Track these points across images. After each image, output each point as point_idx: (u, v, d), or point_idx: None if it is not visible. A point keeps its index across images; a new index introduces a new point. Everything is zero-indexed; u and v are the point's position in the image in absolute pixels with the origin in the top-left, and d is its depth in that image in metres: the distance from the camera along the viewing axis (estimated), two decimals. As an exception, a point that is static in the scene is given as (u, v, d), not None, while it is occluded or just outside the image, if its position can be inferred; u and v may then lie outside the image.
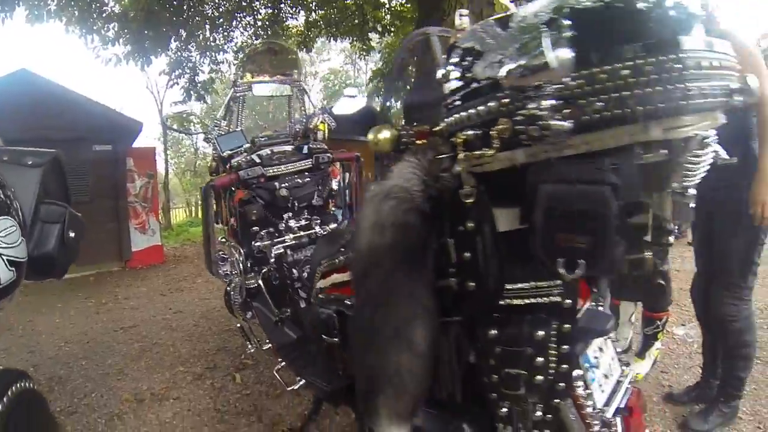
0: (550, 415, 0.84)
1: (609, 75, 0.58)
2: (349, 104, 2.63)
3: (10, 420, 0.96)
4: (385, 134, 0.90)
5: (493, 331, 0.79)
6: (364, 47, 7.38)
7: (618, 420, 0.97)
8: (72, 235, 1.25)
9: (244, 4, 6.67)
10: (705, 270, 1.90)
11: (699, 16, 0.60)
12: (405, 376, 0.79)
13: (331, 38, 7.53)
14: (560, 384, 0.81)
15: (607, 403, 0.95)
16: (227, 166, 2.20)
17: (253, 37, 6.98)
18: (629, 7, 0.57)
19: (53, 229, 1.20)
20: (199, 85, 7.27)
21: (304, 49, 7.61)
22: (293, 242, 2.08)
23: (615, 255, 0.64)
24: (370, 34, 7.26)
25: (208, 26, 6.59)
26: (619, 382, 1.02)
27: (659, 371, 2.32)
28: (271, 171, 2.11)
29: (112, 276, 5.95)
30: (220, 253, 2.21)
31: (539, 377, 0.78)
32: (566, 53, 0.54)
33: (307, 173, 2.20)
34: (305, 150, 2.21)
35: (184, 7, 5.98)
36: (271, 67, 2.43)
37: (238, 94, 2.41)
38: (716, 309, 1.78)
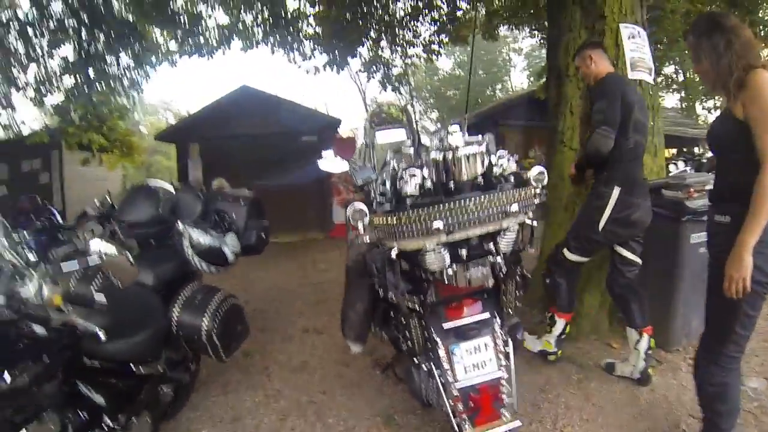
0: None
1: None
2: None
3: (226, 315, 2.15)
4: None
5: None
6: (544, 36, 7.03)
7: (465, 393, 1.49)
8: (263, 235, 2.64)
9: (427, 1, 7.17)
10: None
11: None
12: (353, 321, 1.49)
13: (513, 27, 7.38)
14: (424, 351, 1.54)
15: (465, 381, 1.48)
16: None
17: (437, 34, 7.41)
18: None
19: (254, 234, 2.58)
20: (393, 77, 8.19)
21: (489, 39, 7.68)
22: None
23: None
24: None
25: (396, 25, 7.34)
26: (487, 374, 1.50)
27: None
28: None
29: (315, 243, 7.54)
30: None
31: (410, 343, 1.52)
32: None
33: None
34: None
35: (373, 12, 6.85)
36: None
37: (367, 140, 3.02)
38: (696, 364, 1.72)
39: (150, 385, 1.95)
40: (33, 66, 6.57)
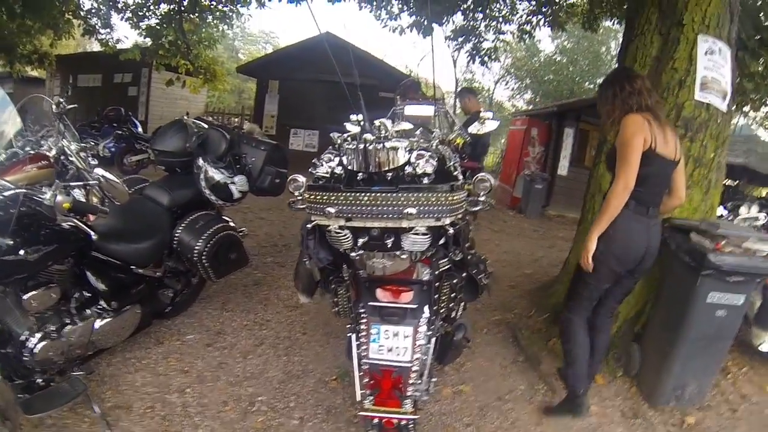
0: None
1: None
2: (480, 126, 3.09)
3: (219, 242, 2.54)
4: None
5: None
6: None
7: (371, 370, 1.58)
8: (277, 181, 2.87)
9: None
10: None
11: None
12: (301, 274, 1.77)
13: (615, 20, 6.61)
14: (353, 320, 1.73)
15: (373, 359, 1.57)
16: None
17: (533, 14, 6.93)
18: None
19: (268, 179, 2.82)
20: (483, 51, 7.86)
21: (589, 29, 7.02)
22: None
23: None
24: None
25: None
26: (395, 361, 1.57)
27: None
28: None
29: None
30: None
31: (338, 308, 1.81)
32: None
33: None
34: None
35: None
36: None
37: (396, 111, 3.12)
38: None
39: (146, 285, 2.33)
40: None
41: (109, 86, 10.48)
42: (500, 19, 7.49)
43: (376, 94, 8.20)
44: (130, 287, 2.21)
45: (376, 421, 1.61)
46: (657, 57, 2.80)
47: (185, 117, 2.83)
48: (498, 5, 7.31)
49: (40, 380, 1.80)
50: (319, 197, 1.37)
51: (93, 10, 8.17)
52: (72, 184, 1.88)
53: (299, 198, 1.45)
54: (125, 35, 10.46)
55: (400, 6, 6.88)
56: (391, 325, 1.59)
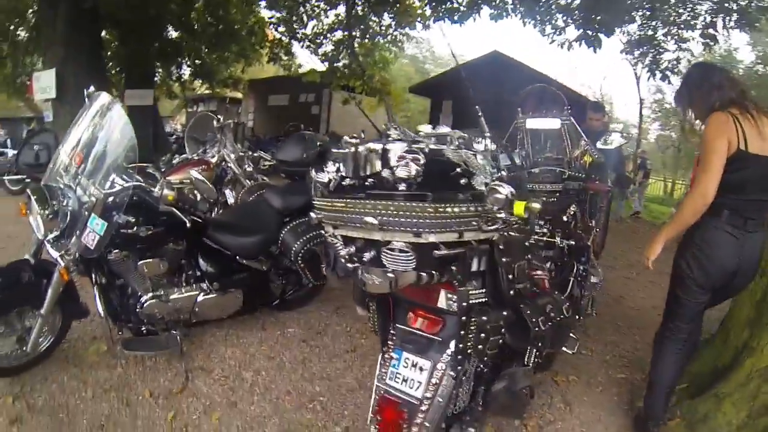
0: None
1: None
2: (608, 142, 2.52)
3: (315, 248, 2.69)
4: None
5: None
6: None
7: (380, 395, 1.45)
8: None
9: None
10: None
11: None
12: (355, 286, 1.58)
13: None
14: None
15: (386, 385, 1.44)
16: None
17: (714, 14, 5.60)
18: None
19: None
20: (664, 64, 6.74)
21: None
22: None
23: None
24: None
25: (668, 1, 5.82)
26: (405, 392, 1.41)
27: None
28: (527, 186, 2.55)
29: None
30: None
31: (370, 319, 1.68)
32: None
33: (557, 194, 2.49)
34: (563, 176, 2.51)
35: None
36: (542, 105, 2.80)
37: (518, 125, 2.85)
38: None
39: (250, 276, 2.69)
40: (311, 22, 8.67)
41: (295, 105, 12.31)
42: (681, 25, 6.21)
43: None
44: (233, 274, 2.58)
45: None
46: None
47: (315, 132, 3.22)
48: (676, 10, 6.08)
49: (144, 329, 2.29)
50: (316, 203, 1.35)
51: (276, 42, 9.81)
52: (174, 182, 2.33)
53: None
54: (305, 60, 12.38)
55: (564, 18, 6.41)
56: (411, 354, 1.44)
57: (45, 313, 2.08)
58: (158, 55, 8.75)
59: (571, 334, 2.32)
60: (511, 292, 1.35)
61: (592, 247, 2.48)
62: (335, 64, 9.08)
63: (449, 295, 1.40)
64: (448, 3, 7.07)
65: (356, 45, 8.85)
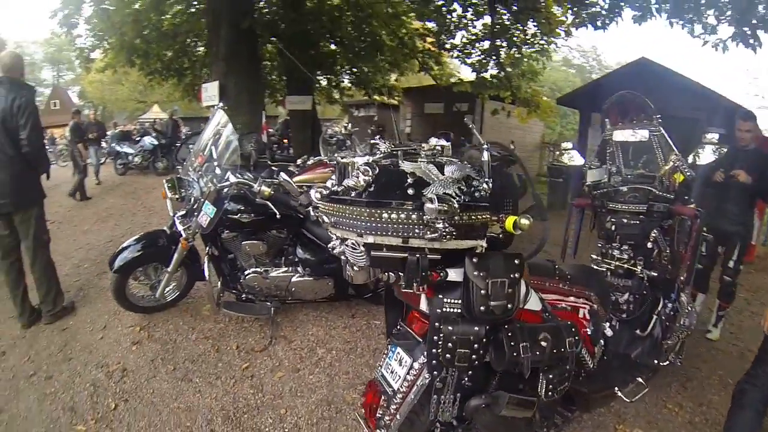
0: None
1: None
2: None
3: None
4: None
5: None
6: None
7: (373, 378, 1.62)
8: None
9: None
10: None
11: None
12: None
13: None
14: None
15: (377, 373, 1.62)
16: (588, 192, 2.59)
17: None
18: None
19: None
20: None
21: None
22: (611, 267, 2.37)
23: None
24: None
25: None
26: (387, 382, 1.57)
27: None
28: (610, 205, 2.40)
29: None
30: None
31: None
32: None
33: (641, 216, 2.27)
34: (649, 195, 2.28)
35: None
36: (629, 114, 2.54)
37: (606, 138, 2.60)
38: None
39: (341, 266, 3.07)
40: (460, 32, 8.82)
41: (449, 113, 12.67)
42: None
43: (700, 132, 6.18)
44: (324, 263, 3.00)
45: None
46: None
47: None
48: None
49: (245, 296, 2.90)
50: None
51: (426, 51, 10.15)
52: (267, 180, 2.79)
53: None
54: (460, 70, 12.37)
55: (716, 14, 5.21)
56: (402, 350, 1.57)
57: (171, 270, 2.90)
58: (315, 65, 9.66)
59: (639, 379, 2.00)
60: (482, 308, 1.33)
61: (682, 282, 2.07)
62: (482, 74, 9.04)
63: (428, 300, 1.45)
64: (590, 8, 6.57)
65: (502, 55, 8.63)
